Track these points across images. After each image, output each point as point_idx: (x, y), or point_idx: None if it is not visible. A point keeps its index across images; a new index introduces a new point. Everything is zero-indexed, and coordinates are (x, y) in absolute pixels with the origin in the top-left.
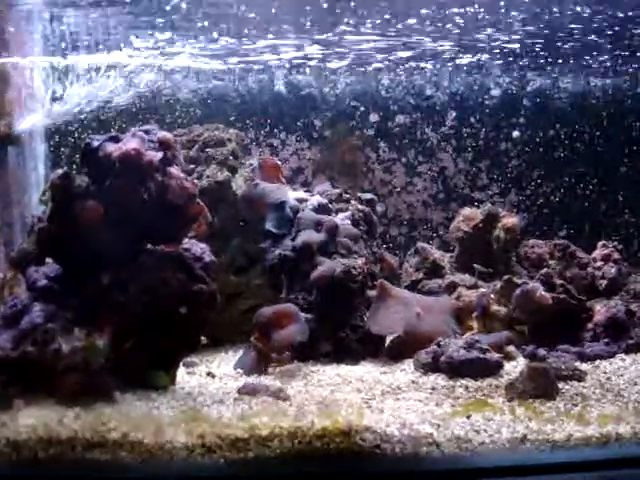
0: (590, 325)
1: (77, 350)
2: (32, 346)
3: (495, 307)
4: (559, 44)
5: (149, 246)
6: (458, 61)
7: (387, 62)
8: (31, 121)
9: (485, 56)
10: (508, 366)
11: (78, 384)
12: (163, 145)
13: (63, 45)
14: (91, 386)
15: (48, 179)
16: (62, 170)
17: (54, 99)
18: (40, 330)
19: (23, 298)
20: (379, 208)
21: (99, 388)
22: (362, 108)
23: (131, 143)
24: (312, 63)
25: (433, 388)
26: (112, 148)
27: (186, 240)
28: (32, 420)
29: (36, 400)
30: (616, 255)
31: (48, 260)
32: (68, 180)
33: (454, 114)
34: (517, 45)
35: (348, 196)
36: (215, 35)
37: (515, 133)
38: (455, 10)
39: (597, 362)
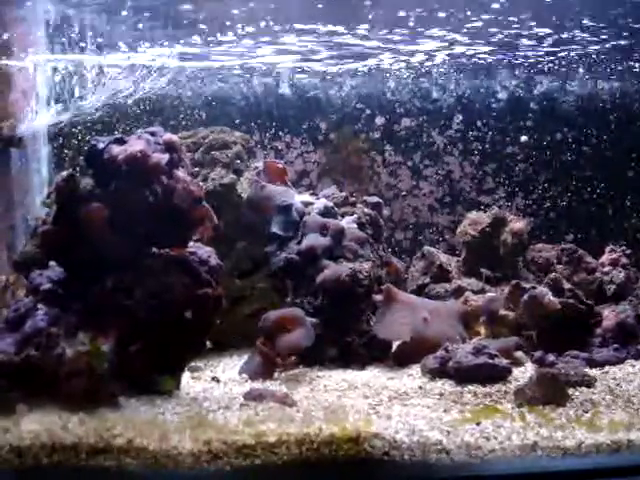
0: (599, 330)
1: (81, 355)
2: (35, 350)
3: (503, 312)
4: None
5: (154, 249)
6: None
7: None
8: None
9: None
10: (516, 372)
11: (82, 389)
12: (169, 147)
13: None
14: (95, 391)
15: (52, 181)
16: (67, 172)
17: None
18: (44, 334)
19: (26, 302)
20: (385, 212)
21: (103, 393)
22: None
23: (137, 145)
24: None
25: (441, 394)
26: (118, 150)
27: (192, 243)
28: (35, 426)
29: (39, 405)
30: (624, 259)
31: (52, 263)
32: (73, 182)
33: (460, 117)
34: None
35: (354, 199)
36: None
37: (523, 138)
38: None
39: (606, 368)
